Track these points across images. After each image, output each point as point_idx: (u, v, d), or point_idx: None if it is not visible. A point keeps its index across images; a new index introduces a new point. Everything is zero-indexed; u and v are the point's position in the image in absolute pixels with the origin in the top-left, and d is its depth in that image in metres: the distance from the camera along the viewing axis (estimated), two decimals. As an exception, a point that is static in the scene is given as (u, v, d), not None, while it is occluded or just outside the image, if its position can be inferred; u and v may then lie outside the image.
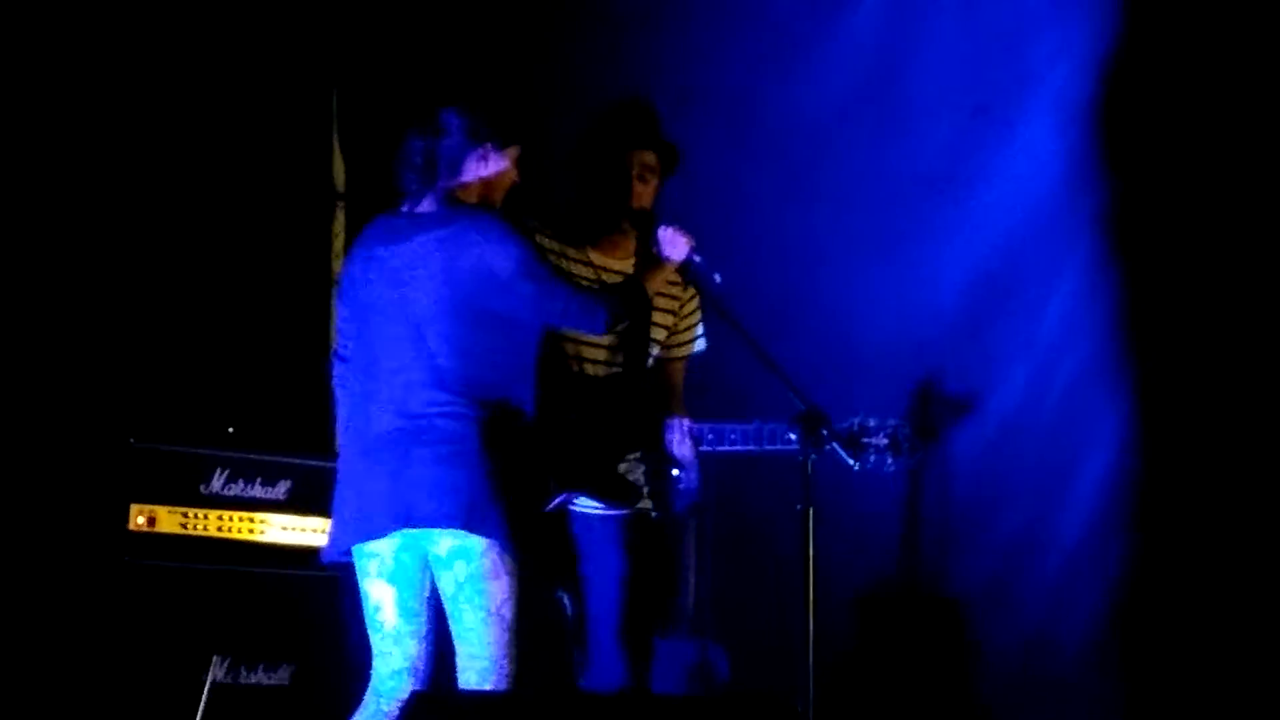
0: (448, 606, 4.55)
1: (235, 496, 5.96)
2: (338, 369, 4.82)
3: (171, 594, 5.74)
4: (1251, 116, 6.28)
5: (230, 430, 6.08)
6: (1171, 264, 6.40)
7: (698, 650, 6.04)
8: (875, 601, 6.79)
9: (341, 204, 7.45)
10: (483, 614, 4.50)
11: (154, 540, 5.77)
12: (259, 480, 6.01)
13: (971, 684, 6.63)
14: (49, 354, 6.20)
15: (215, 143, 6.87)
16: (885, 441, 5.07)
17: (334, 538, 4.70)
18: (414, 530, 4.52)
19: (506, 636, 4.52)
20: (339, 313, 4.83)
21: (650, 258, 4.96)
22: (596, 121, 5.13)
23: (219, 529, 5.91)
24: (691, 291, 5.18)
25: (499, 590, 4.50)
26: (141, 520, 5.76)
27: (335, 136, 7.45)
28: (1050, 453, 6.64)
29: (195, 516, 5.87)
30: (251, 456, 6.03)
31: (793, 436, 4.99)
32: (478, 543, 4.46)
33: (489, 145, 4.74)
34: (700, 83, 7.14)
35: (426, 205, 4.71)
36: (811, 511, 4.90)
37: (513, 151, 4.79)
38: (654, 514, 5.08)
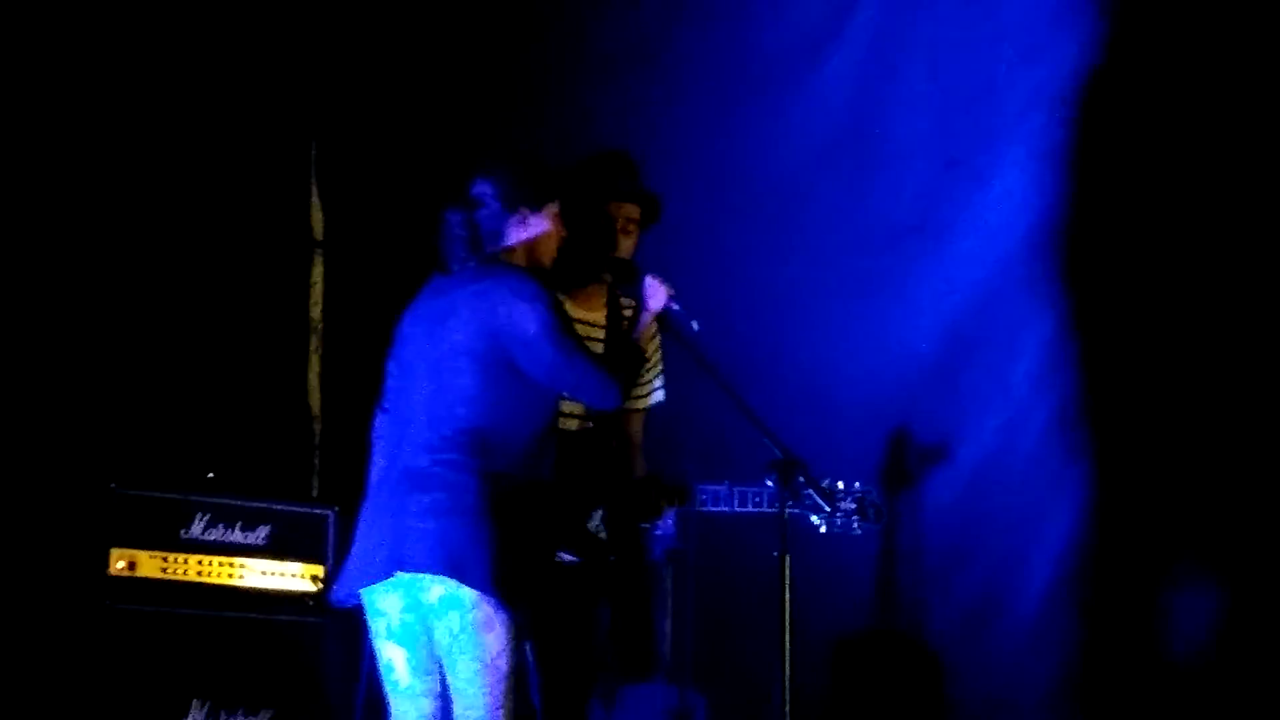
0: (443, 658, 4.54)
1: (215, 541, 5.98)
2: (377, 421, 4.84)
3: (152, 638, 5.75)
4: (1223, 164, 6.34)
5: (210, 475, 6.10)
6: (1144, 315, 6.45)
7: (676, 697, 6.04)
8: (851, 647, 6.82)
9: (319, 252, 7.49)
10: (478, 665, 4.49)
11: (135, 585, 5.79)
12: (239, 525, 6.03)
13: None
14: (29, 400, 6.21)
15: (194, 191, 6.90)
16: (853, 506, 5.17)
17: (339, 581, 4.72)
18: (407, 578, 4.52)
19: (502, 687, 4.51)
20: (387, 368, 4.85)
21: (618, 311, 5.00)
22: (576, 173, 5.15)
23: (199, 574, 5.93)
24: (656, 344, 5.21)
25: (494, 642, 4.49)
26: (122, 565, 5.78)
27: (314, 185, 7.49)
28: (1022, 498, 6.67)
29: (176, 561, 5.88)
30: (231, 502, 6.04)
31: (769, 484, 5.03)
32: (468, 594, 4.46)
33: (524, 209, 4.80)
34: (673, 132, 7.19)
35: (470, 266, 4.77)
36: (788, 558, 4.93)
37: (551, 209, 4.83)
38: (610, 558, 5.11)
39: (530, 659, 4.89)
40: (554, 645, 4.91)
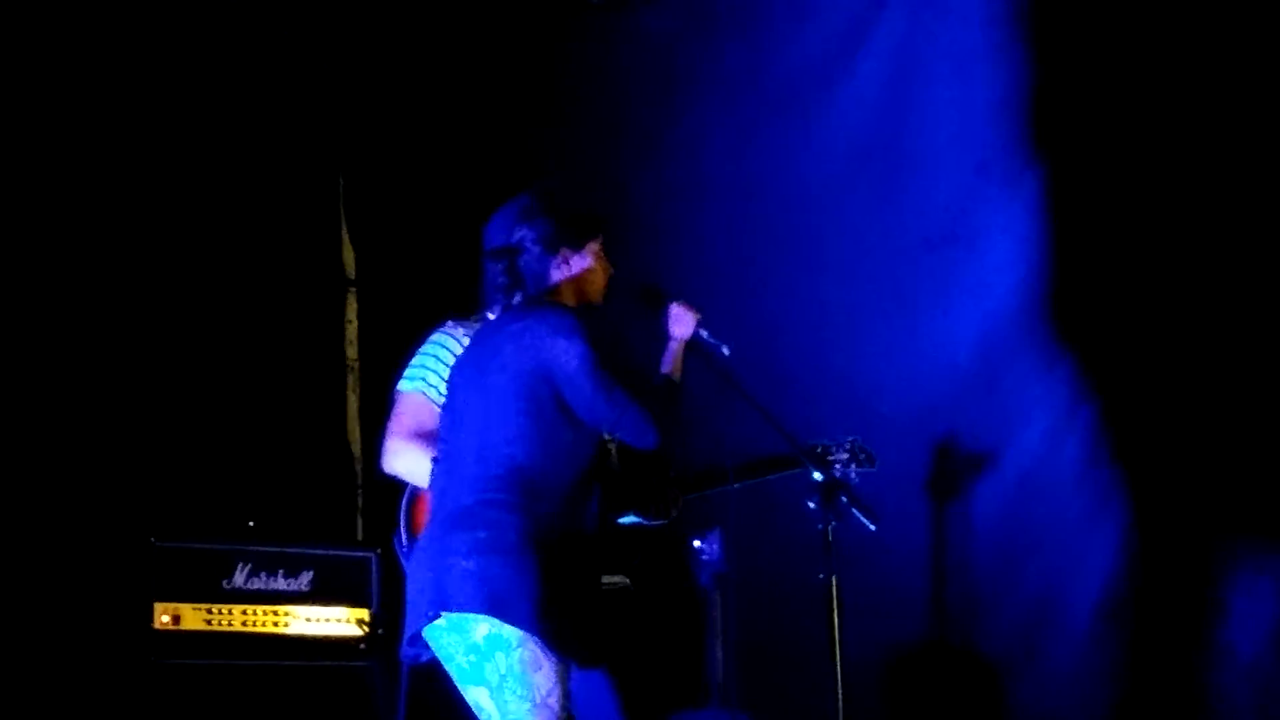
0: (493, 697, 4.49)
1: (259, 590, 5.95)
2: (432, 471, 4.83)
3: (200, 691, 5.73)
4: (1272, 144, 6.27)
5: (250, 524, 6.09)
6: (1187, 315, 6.38)
7: (727, 722, 6.02)
8: (903, 665, 6.77)
9: (353, 290, 7.48)
10: (529, 705, 4.45)
11: (180, 638, 5.76)
12: (281, 572, 6.01)
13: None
14: (66, 456, 6.22)
15: (225, 234, 6.90)
16: (846, 455, 5.58)
17: (403, 635, 4.69)
18: (455, 617, 4.49)
19: None
20: (440, 419, 4.83)
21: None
22: None
23: (244, 624, 5.90)
24: None
25: (543, 680, 4.46)
26: (166, 619, 5.75)
27: (344, 223, 7.49)
28: (1071, 504, 6.61)
29: (220, 612, 5.86)
30: (272, 549, 6.02)
31: (811, 505, 5.01)
32: (512, 633, 4.44)
33: (565, 250, 4.79)
34: (699, 151, 7.17)
35: (514, 308, 4.78)
36: (835, 579, 4.90)
37: (593, 246, 4.83)
38: (629, 587, 5.11)
39: (593, 685, 4.88)
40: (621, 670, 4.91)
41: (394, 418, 5.26)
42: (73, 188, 6.45)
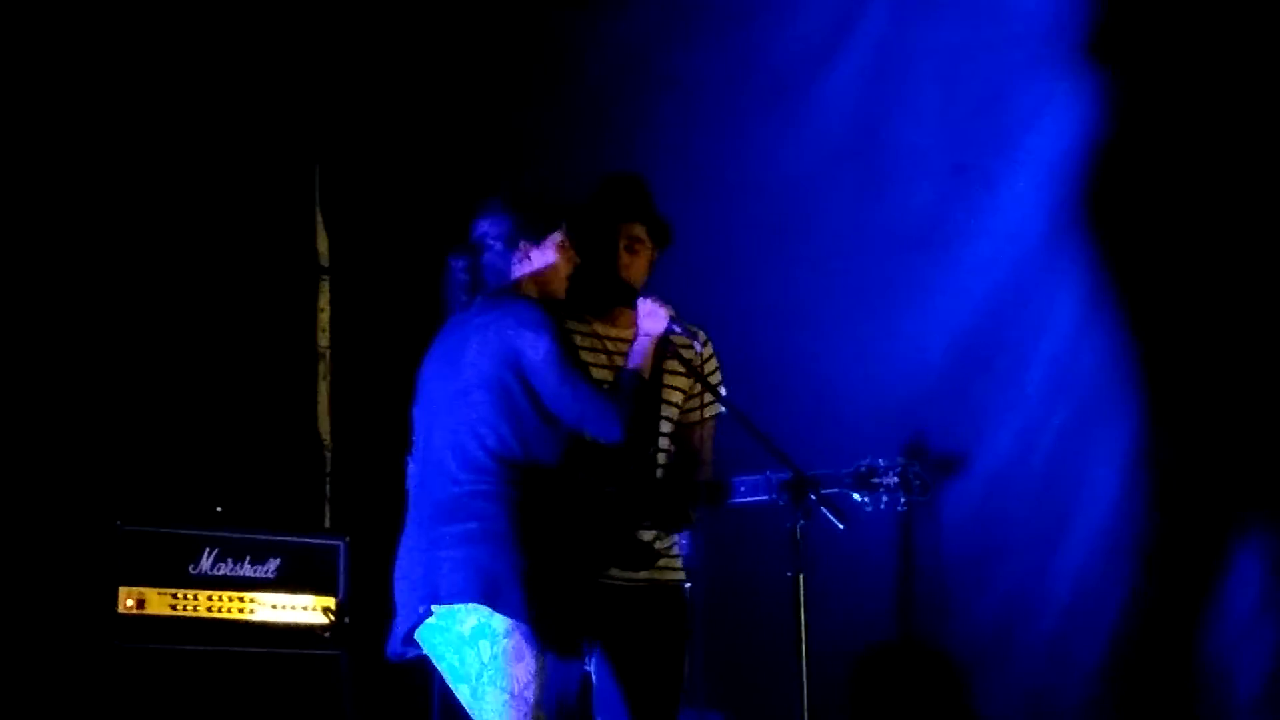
0: (469, 686, 4.50)
1: (225, 576, 5.95)
2: (410, 469, 4.82)
3: (163, 676, 5.73)
4: (1233, 165, 6.26)
5: (218, 509, 6.07)
6: (1158, 315, 6.39)
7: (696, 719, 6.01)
8: (871, 663, 6.77)
9: (326, 278, 7.46)
10: (506, 696, 4.46)
11: (144, 623, 5.76)
12: (248, 559, 6.00)
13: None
14: (33, 439, 6.20)
15: (199, 219, 6.89)
16: (896, 480, 5.06)
17: (390, 634, 4.68)
18: (443, 610, 4.50)
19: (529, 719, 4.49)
20: (413, 415, 4.83)
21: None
22: (590, 196, 5.11)
23: (210, 609, 5.89)
24: (709, 352, 5.14)
25: (522, 672, 4.46)
26: (131, 603, 5.75)
27: (318, 211, 7.47)
28: (1042, 506, 6.60)
29: (185, 597, 5.86)
30: (239, 535, 6.01)
31: (780, 503, 4.99)
32: (500, 622, 4.45)
33: (525, 244, 4.80)
34: (678, 147, 7.15)
35: (478, 301, 4.79)
36: (802, 577, 4.89)
37: (554, 239, 4.83)
38: (687, 584, 5.07)
39: (606, 682, 4.85)
40: (632, 668, 4.87)
41: None
42: (45, 174, 6.43)
